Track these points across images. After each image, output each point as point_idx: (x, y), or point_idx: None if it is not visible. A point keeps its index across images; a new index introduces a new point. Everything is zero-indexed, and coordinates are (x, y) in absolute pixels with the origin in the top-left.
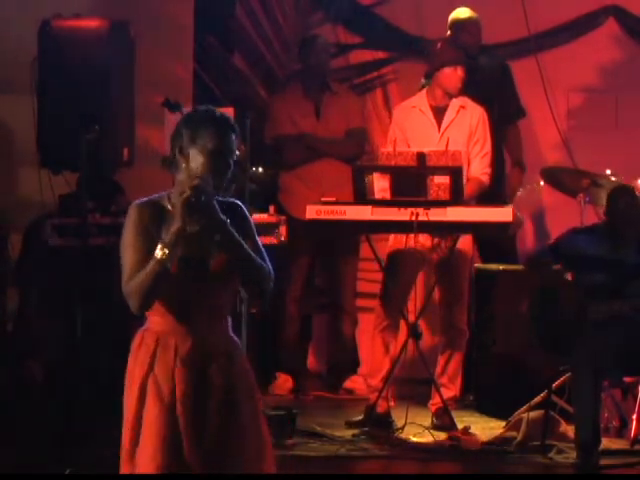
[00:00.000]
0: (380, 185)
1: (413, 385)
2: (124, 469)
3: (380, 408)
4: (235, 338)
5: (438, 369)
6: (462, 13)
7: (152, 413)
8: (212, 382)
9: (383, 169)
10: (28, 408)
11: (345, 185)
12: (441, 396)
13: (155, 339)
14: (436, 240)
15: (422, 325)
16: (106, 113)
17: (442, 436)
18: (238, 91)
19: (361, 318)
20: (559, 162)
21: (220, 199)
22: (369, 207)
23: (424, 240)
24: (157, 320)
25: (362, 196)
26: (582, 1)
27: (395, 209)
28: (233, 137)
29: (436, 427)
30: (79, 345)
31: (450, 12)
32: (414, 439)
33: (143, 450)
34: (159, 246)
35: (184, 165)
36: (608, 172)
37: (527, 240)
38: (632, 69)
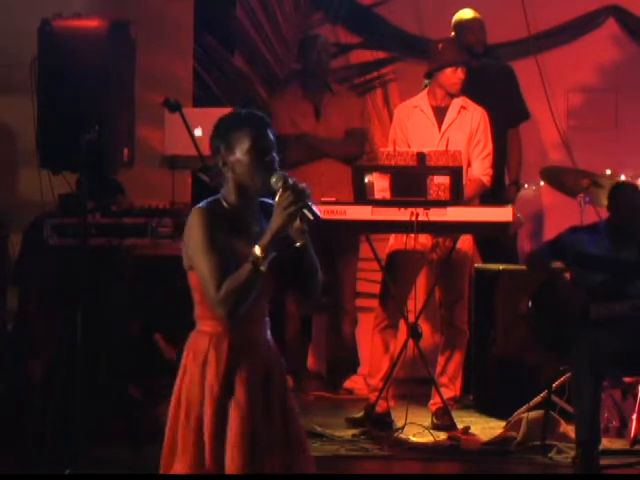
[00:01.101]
0: (380, 185)
1: (413, 385)
2: (179, 469)
3: (380, 408)
4: (273, 343)
5: (438, 369)
6: (466, 14)
7: (209, 417)
8: (270, 381)
9: (383, 169)
10: (28, 408)
11: (345, 185)
12: (441, 396)
13: (208, 341)
14: (436, 240)
15: (422, 325)
16: (106, 113)
17: (442, 436)
18: (238, 91)
19: (361, 318)
20: (559, 162)
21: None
22: (369, 207)
23: (424, 240)
24: (210, 323)
25: (362, 196)
26: (582, 1)
27: (395, 209)
28: (268, 131)
29: (436, 427)
30: (79, 345)
31: (450, 12)
32: (414, 439)
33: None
34: (256, 248)
35: (230, 174)
36: (608, 172)
37: (527, 240)
38: (632, 69)
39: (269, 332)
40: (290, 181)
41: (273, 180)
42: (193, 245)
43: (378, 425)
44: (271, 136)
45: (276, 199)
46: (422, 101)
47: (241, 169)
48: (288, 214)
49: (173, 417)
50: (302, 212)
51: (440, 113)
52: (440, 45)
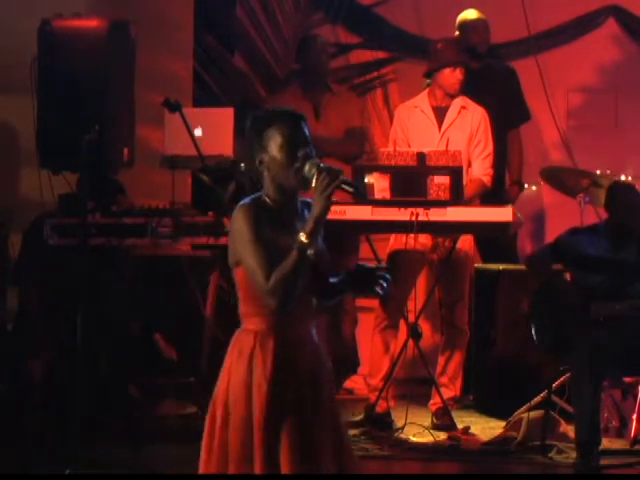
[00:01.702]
0: (380, 185)
1: (413, 385)
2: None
3: (380, 408)
4: (320, 342)
5: (438, 369)
6: (471, 14)
7: (259, 416)
8: (318, 381)
9: (383, 169)
10: (28, 408)
11: None
12: (441, 396)
13: (253, 339)
14: (436, 240)
15: (422, 325)
16: (106, 113)
17: (442, 436)
18: (238, 91)
19: (361, 318)
20: (559, 162)
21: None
22: (369, 207)
23: (424, 240)
24: (255, 320)
25: (362, 196)
26: (582, 1)
27: (395, 209)
28: (300, 125)
29: (436, 427)
30: (79, 345)
31: (450, 12)
32: (414, 439)
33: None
34: (301, 235)
35: (266, 173)
36: (608, 172)
37: (527, 240)
38: (632, 69)
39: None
40: (322, 165)
41: (306, 169)
42: (239, 240)
43: (378, 425)
44: (304, 130)
45: (312, 185)
46: (422, 101)
47: (275, 167)
48: (326, 196)
49: (213, 417)
50: (341, 188)
51: (440, 113)
52: (439, 45)
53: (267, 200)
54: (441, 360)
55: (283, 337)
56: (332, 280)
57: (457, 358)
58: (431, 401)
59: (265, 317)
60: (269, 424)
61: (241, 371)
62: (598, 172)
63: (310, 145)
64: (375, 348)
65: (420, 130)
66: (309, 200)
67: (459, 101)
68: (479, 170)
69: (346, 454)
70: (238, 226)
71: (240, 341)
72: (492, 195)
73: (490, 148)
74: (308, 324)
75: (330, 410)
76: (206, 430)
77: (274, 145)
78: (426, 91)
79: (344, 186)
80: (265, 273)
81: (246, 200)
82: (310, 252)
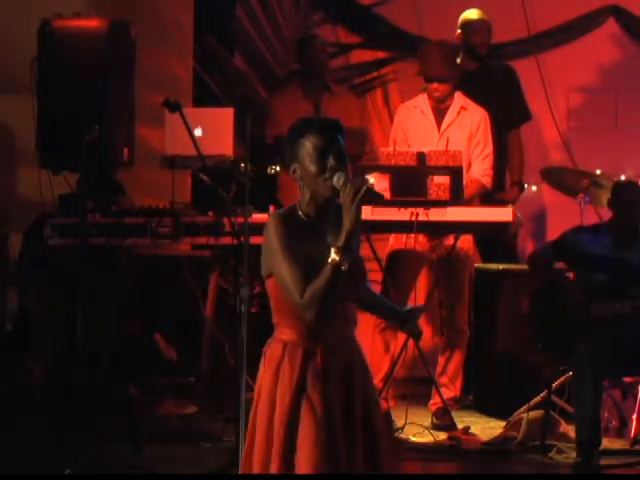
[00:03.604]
0: (380, 185)
1: (413, 385)
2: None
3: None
4: (359, 344)
5: (438, 369)
6: (473, 14)
7: (278, 426)
8: (350, 386)
9: (383, 169)
10: (28, 408)
11: None
12: (441, 396)
13: (282, 349)
14: (436, 240)
15: (422, 325)
16: (106, 113)
17: (442, 436)
18: (238, 91)
19: (361, 318)
20: (559, 162)
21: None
22: (369, 207)
23: (424, 240)
24: (286, 331)
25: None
26: (582, 1)
27: (395, 209)
28: (330, 134)
29: (436, 427)
30: (79, 345)
31: (450, 12)
32: (414, 439)
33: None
34: (333, 250)
35: (300, 182)
36: (608, 172)
37: (527, 240)
38: (632, 69)
39: (355, 337)
40: (349, 176)
41: (334, 180)
42: (270, 251)
43: None
44: (336, 141)
45: (341, 199)
46: (422, 102)
47: (307, 176)
48: (354, 210)
49: (251, 419)
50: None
51: (440, 113)
52: (426, 52)
53: (300, 209)
54: (441, 360)
55: (313, 347)
56: (380, 301)
57: (457, 358)
58: (431, 401)
59: (296, 328)
60: (287, 433)
61: (268, 380)
62: (598, 172)
63: (342, 155)
64: (375, 348)
65: (420, 130)
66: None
67: (459, 102)
68: (478, 171)
69: (381, 455)
70: (269, 237)
71: (271, 349)
72: (492, 195)
73: (490, 149)
74: (344, 331)
75: (366, 414)
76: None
77: (306, 155)
78: (426, 92)
79: (370, 195)
80: (299, 288)
81: (279, 210)
82: (344, 267)
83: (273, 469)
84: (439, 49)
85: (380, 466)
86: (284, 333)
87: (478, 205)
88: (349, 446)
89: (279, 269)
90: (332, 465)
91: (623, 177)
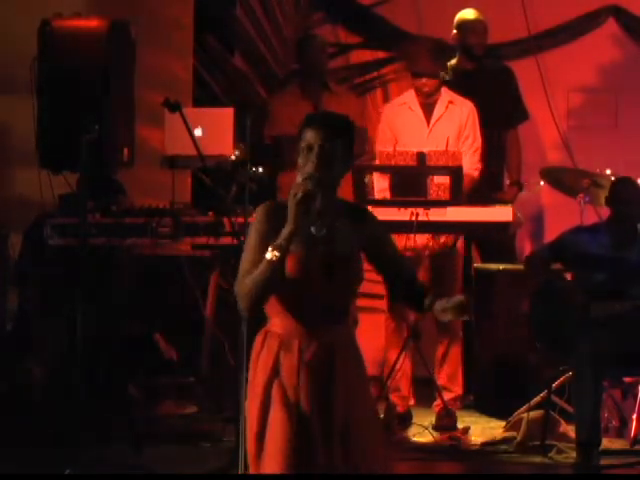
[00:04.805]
0: (380, 185)
1: (413, 385)
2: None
3: (401, 408)
4: (357, 342)
5: (437, 370)
6: (469, 14)
7: (277, 418)
8: (337, 384)
9: (383, 169)
10: (28, 408)
11: (345, 185)
12: (441, 397)
13: (278, 342)
14: (434, 239)
15: (422, 325)
16: (106, 113)
17: (442, 436)
18: (238, 91)
19: (361, 318)
20: (559, 162)
21: (344, 202)
22: (369, 207)
23: (419, 238)
24: (278, 322)
25: (362, 196)
26: (582, 1)
27: (395, 209)
28: (328, 131)
29: (437, 427)
30: (79, 345)
31: (450, 12)
32: (414, 439)
33: (269, 456)
34: (270, 248)
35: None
36: (608, 172)
37: (526, 240)
38: (632, 69)
39: (352, 334)
40: (306, 177)
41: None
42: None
43: (401, 424)
44: (322, 136)
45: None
46: (410, 98)
47: (302, 168)
48: (292, 211)
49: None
50: (308, 201)
51: (428, 108)
52: (411, 50)
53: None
54: (437, 361)
55: (308, 341)
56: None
57: (452, 356)
58: (435, 402)
59: (289, 320)
60: (260, 416)
61: (265, 375)
62: (598, 172)
63: (322, 152)
64: (391, 350)
65: (409, 126)
66: (355, 205)
67: (446, 96)
68: (468, 165)
69: (357, 454)
70: (250, 226)
71: (264, 343)
72: (490, 195)
73: (479, 142)
74: (338, 329)
75: (348, 415)
76: None
77: (300, 148)
78: (413, 88)
79: (306, 200)
80: (240, 276)
81: (270, 201)
82: (277, 267)
83: (250, 449)
84: (424, 44)
85: (358, 467)
86: (277, 325)
87: (478, 205)
88: (326, 443)
89: (243, 255)
90: (305, 453)
91: (610, 174)
